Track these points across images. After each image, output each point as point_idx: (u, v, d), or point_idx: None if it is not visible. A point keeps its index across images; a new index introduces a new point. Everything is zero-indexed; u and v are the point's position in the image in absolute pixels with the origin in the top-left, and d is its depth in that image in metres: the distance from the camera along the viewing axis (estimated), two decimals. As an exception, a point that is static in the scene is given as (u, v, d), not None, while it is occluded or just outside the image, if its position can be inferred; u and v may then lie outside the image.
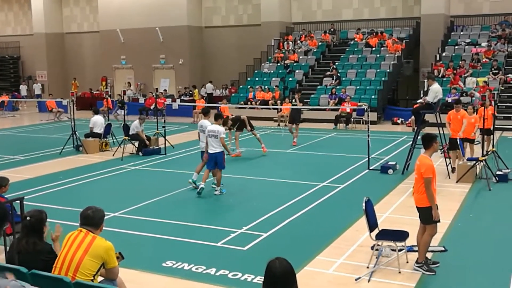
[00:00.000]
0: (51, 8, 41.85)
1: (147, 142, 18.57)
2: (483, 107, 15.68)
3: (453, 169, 14.57)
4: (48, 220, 6.16)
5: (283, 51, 32.83)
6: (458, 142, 14.41)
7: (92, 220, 5.61)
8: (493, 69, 26.38)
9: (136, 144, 18.64)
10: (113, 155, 18.17)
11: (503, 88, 26.00)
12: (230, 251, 9.15)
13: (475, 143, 16.16)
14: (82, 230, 5.57)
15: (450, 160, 14.87)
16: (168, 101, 30.44)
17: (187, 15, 36.01)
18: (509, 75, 26.50)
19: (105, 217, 5.93)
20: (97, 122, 19.47)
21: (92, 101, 33.34)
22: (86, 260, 5.39)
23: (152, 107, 28.88)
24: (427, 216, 7.97)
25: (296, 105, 20.01)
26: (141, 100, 32.80)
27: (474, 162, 13.86)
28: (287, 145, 19.61)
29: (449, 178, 14.14)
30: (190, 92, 33.58)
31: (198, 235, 9.92)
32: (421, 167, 7.96)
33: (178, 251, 9.09)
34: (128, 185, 14.40)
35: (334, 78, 28.90)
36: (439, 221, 8.01)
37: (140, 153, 18.30)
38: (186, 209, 11.97)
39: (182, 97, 33.21)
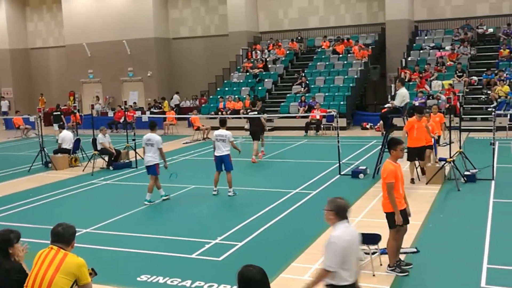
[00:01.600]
0: (14, 23, 41.36)
1: (114, 152, 18.37)
2: (431, 114, 15.31)
3: (412, 180, 14.08)
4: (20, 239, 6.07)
5: (252, 60, 32.95)
6: (433, 142, 14.46)
7: (62, 237, 5.54)
8: (457, 71, 26.91)
9: (106, 158, 18.48)
10: (83, 170, 17.98)
11: (467, 90, 26.51)
12: (205, 262, 9.13)
13: (442, 144, 16.40)
14: (53, 247, 5.49)
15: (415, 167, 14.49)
16: (138, 113, 30.26)
17: (154, 27, 35.97)
18: (473, 77, 27.05)
19: (77, 234, 5.86)
20: (66, 137, 19.24)
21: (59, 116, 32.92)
22: (58, 277, 5.31)
23: (121, 120, 28.73)
24: (391, 221, 8.05)
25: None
26: (110, 114, 32.53)
27: (443, 163, 14.08)
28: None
29: (419, 180, 14.35)
30: (159, 105, 33.46)
31: (172, 248, 9.87)
32: (383, 172, 8.02)
33: (153, 265, 9.03)
34: (100, 200, 14.26)
35: (303, 86, 29.10)
36: (403, 225, 8.07)
37: (111, 167, 18.15)
38: (159, 222, 11.91)
39: (151, 109, 33.04)
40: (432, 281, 8.00)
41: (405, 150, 13.27)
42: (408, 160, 14.02)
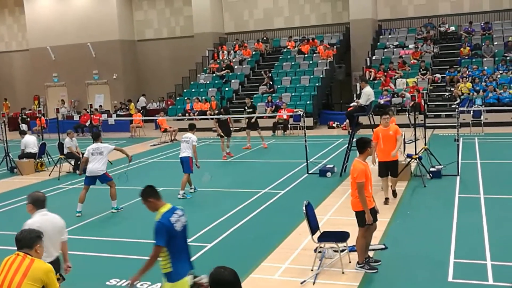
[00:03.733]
0: (-25, 27, 40.59)
1: (80, 156, 18.12)
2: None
3: (386, 200, 12.01)
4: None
5: (219, 61, 32.92)
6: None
7: (23, 242, 5.46)
8: (421, 69, 27.32)
9: (73, 162, 18.25)
10: (49, 175, 17.73)
11: (431, 87, 26.96)
12: (175, 264, 9.07)
13: (408, 142, 16.51)
14: (20, 254, 5.40)
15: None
16: (104, 116, 30.02)
17: (118, 29, 35.67)
18: (437, 74, 27.51)
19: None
20: (29, 141, 18.94)
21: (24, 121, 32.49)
22: (25, 284, 5.23)
23: (87, 123, 28.42)
24: (361, 220, 8.14)
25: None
26: (76, 118, 32.16)
27: (409, 160, 14.27)
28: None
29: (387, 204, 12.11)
30: (126, 107, 33.20)
31: (141, 251, 9.75)
32: (354, 172, 8.09)
33: (122, 269, 8.96)
34: (67, 204, 14.01)
35: (268, 86, 29.22)
36: (371, 224, 8.17)
37: (78, 172, 17.90)
38: (128, 225, 11.82)
39: (118, 112, 32.76)
40: (401, 277, 8.12)
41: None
42: (379, 176, 12.21)
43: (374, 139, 11.88)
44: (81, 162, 13.39)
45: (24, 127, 27.58)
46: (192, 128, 14.21)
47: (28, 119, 30.54)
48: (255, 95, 29.20)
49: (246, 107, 22.18)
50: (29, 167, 18.54)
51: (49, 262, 6.00)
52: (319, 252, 8.59)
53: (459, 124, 15.23)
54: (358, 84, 25.53)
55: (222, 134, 19.58)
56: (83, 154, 18.16)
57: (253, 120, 21.61)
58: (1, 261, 5.52)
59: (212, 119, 26.13)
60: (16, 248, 5.46)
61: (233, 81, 31.16)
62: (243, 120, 26.50)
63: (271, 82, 29.43)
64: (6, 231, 11.20)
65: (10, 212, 13.52)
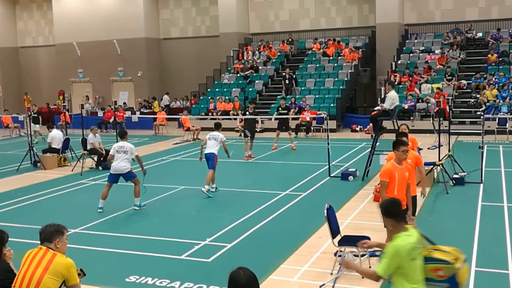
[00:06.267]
0: (4, 22, 41.07)
1: (103, 152, 18.26)
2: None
3: None
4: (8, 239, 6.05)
5: (243, 61, 32.95)
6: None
7: (44, 235, 5.50)
8: (446, 75, 27.05)
9: (95, 158, 18.41)
10: (72, 170, 17.90)
11: (457, 93, 26.67)
12: (194, 263, 9.12)
13: (432, 147, 16.32)
14: (42, 247, 5.46)
15: None
16: (128, 113, 30.22)
17: (144, 27, 35.91)
18: (462, 81, 27.21)
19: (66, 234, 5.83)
20: (56, 137, 19.14)
21: (49, 116, 32.87)
22: (46, 278, 5.28)
23: (111, 120, 28.63)
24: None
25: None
26: (100, 114, 32.43)
27: (432, 166, 14.12)
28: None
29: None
30: (150, 105, 33.41)
31: (161, 249, 9.85)
32: (381, 169, 8.06)
33: (141, 266, 9.00)
34: (89, 200, 14.15)
35: (284, 84, 29.36)
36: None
37: (100, 167, 18.07)
38: (149, 222, 11.87)
39: (141, 110, 32.99)
40: (421, 284, 8.02)
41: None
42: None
43: (385, 178, 8.20)
44: (108, 159, 13.42)
45: (35, 127, 26.44)
46: (218, 127, 14.53)
47: (38, 116, 30.31)
48: (278, 96, 29.14)
49: (280, 108, 22.08)
50: (53, 161, 18.74)
51: None
52: (339, 256, 8.53)
53: (484, 131, 15.05)
54: (382, 88, 25.43)
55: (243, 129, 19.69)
56: (106, 150, 18.43)
57: (290, 121, 21.83)
58: (23, 254, 5.58)
59: (235, 119, 26.25)
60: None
61: (257, 81, 31.17)
62: (265, 121, 26.54)
63: (287, 81, 29.38)
64: (29, 224, 11.34)
65: (32, 205, 13.66)
